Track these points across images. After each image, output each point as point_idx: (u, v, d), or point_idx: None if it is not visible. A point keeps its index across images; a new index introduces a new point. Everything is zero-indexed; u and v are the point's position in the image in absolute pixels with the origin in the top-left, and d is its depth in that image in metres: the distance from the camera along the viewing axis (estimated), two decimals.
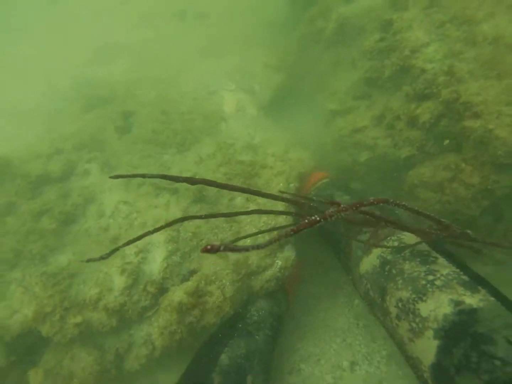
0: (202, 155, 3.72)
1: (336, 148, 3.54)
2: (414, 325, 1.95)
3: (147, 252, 2.84)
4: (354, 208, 1.23)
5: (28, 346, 2.69)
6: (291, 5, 5.22)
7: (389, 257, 2.34)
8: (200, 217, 1.83)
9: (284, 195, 1.87)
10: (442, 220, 1.78)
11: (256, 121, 4.39)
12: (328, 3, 4.08)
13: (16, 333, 2.58)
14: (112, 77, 5.07)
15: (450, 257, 2.15)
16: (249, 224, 2.93)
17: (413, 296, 2.02)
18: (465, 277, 1.96)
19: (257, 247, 0.99)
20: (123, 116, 4.34)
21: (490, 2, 2.63)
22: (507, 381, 1.48)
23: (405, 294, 2.07)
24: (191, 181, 1.53)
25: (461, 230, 1.86)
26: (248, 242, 2.84)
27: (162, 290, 2.70)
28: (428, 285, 1.99)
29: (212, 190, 3.20)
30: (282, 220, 2.90)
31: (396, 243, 2.39)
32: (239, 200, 3.10)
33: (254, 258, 2.80)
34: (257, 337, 2.49)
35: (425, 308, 1.92)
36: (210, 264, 2.74)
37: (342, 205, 1.19)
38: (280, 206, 2.99)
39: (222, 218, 2.96)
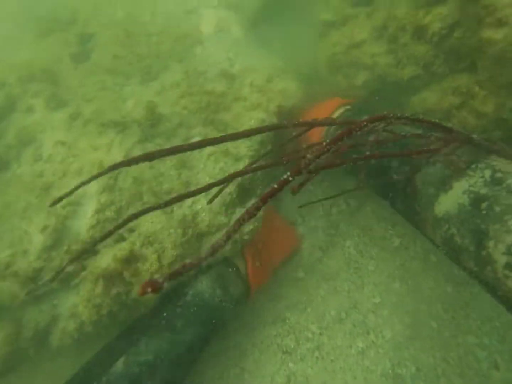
0: (166, 85, 3.04)
1: (329, 69, 2.94)
2: None
3: (77, 205, 2.31)
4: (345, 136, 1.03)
5: None
6: None
7: (484, 191, 1.77)
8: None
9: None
10: (445, 125, 1.59)
11: (239, 44, 3.58)
12: None
13: None
14: None
15: None
16: (203, 171, 2.31)
17: None
18: None
19: (212, 252, 0.80)
20: (81, 41, 3.65)
21: None
22: None
23: None
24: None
25: (466, 134, 1.66)
26: (200, 200, 2.26)
27: (92, 252, 2.20)
28: None
29: (164, 127, 2.57)
30: (242, 166, 2.26)
31: (488, 173, 1.80)
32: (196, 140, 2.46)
33: (205, 215, 2.22)
34: (179, 335, 1.96)
35: None
36: (150, 221, 2.19)
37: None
38: (243, 148, 2.34)
39: (170, 164, 2.34)
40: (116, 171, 2.36)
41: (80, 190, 2.37)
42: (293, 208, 2.99)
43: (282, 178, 0.89)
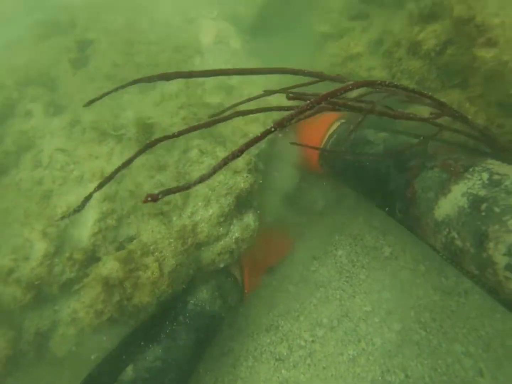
0: (165, 95, 3.10)
1: None
2: None
3: (78, 213, 2.35)
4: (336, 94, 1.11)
5: None
6: None
7: (482, 193, 1.79)
8: (172, 136, 1.40)
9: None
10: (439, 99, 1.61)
11: (238, 55, 3.67)
12: None
13: None
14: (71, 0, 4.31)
15: None
16: (202, 183, 2.37)
17: None
18: None
19: (200, 180, 0.99)
20: (80, 46, 3.68)
21: None
22: None
23: None
24: (165, 77, 1.35)
25: (459, 112, 1.68)
26: (198, 211, 2.32)
27: (93, 259, 2.24)
28: None
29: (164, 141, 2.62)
30: (240, 179, 2.34)
31: (485, 175, 1.83)
32: (195, 152, 2.52)
33: (204, 225, 2.29)
34: (181, 342, 2.02)
35: None
36: (150, 230, 2.25)
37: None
38: (241, 162, 2.41)
39: (170, 175, 2.41)
40: (118, 180, 2.41)
41: (80, 198, 2.43)
42: (287, 219, 3.07)
43: (266, 129, 1.02)
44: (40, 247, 2.20)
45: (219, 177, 2.36)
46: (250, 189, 2.38)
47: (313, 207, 3.18)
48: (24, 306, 2.12)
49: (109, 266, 2.09)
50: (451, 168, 1.94)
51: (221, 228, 2.31)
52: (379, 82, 1.37)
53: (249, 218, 2.42)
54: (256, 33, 3.88)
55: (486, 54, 1.94)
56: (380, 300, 2.69)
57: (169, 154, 2.52)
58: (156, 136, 2.60)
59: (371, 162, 2.37)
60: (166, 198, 2.29)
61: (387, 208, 2.38)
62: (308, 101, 1.09)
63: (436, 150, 2.13)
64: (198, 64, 3.56)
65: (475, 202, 1.79)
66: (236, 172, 2.37)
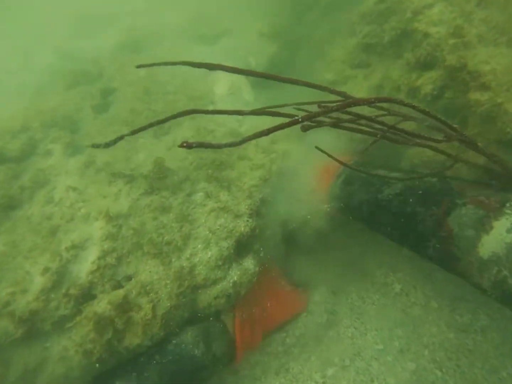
0: (177, 140, 3.25)
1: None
2: None
3: (81, 249, 2.40)
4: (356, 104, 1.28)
5: None
6: None
7: None
8: (205, 111, 1.64)
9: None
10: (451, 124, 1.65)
11: (249, 105, 3.85)
12: None
13: None
14: (100, 53, 4.68)
15: None
16: (203, 225, 2.42)
17: None
18: None
19: (232, 144, 1.14)
20: (103, 94, 3.94)
21: None
22: None
23: None
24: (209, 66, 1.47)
25: (468, 137, 1.73)
26: (198, 253, 2.34)
27: (89, 296, 2.25)
28: None
29: (170, 181, 2.71)
30: (241, 223, 2.37)
31: None
32: (199, 196, 2.59)
33: (202, 268, 2.29)
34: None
35: None
36: (148, 270, 2.26)
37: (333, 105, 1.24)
38: (243, 206, 2.45)
39: (173, 216, 2.45)
40: (120, 221, 2.47)
41: (84, 235, 2.49)
42: (303, 270, 3.02)
43: (294, 118, 1.15)
44: (39, 281, 2.23)
45: (220, 220, 2.40)
46: (251, 233, 2.40)
47: (321, 242, 3.16)
48: (15, 341, 2.12)
49: (103, 305, 2.09)
50: (486, 204, 1.88)
51: (219, 271, 2.30)
52: (399, 100, 1.48)
53: (249, 262, 2.41)
54: (267, 84, 4.08)
55: (480, 97, 2.04)
56: (392, 337, 2.59)
57: (174, 196, 2.59)
58: (169, 179, 2.71)
59: (390, 201, 2.34)
60: (167, 238, 2.33)
61: (413, 247, 2.27)
62: (335, 104, 1.24)
63: (461, 187, 2.08)
64: None
65: None
66: (237, 216, 2.41)
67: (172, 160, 2.95)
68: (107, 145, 1.63)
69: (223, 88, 3.96)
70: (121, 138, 1.59)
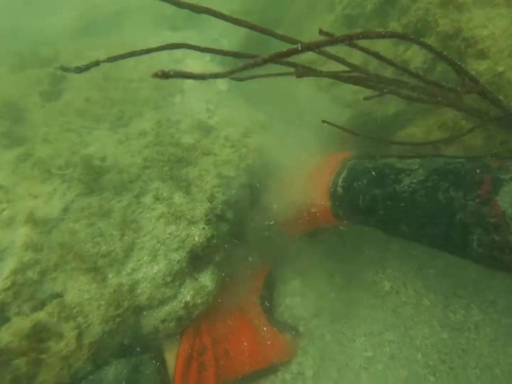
0: (133, 133, 2.82)
1: None
2: None
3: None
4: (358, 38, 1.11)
5: None
6: None
7: None
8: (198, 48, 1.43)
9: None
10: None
11: (222, 96, 3.44)
12: None
13: None
14: (55, 32, 4.20)
15: None
16: (150, 234, 1.99)
17: None
18: None
19: (216, 75, 1.00)
20: (54, 80, 3.47)
21: None
22: None
23: None
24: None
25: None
26: (142, 267, 1.92)
27: (1, 319, 1.80)
28: None
29: (117, 180, 2.28)
30: (196, 231, 1.95)
31: None
32: (149, 198, 2.16)
33: (146, 285, 1.86)
34: None
35: None
36: (77, 289, 1.82)
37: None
38: (200, 210, 2.04)
39: (113, 222, 2.02)
40: (49, 226, 2.02)
41: (4, 243, 2.04)
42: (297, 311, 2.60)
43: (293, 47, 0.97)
44: None
45: (170, 227, 1.98)
46: (207, 244, 1.99)
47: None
48: None
49: (12, 332, 1.64)
50: None
51: (168, 289, 1.89)
52: (412, 37, 1.37)
53: (206, 278, 2.00)
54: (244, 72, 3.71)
55: (479, 67, 1.82)
56: (383, 342, 2.35)
57: (118, 198, 2.15)
58: (107, 176, 2.27)
59: (414, 192, 1.81)
60: (104, 248, 1.90)
61: (453, 246, 1.71)
62: (340, 35, 1.09)
63: (497, 162, 1.64)
64: (178, 102, 3.33)
65: None
66: (191, 222, 2.00)
67: (123, 155, 2.53)
68: (79, 69, 1.46)
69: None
70: (96, 63, 1.42)
